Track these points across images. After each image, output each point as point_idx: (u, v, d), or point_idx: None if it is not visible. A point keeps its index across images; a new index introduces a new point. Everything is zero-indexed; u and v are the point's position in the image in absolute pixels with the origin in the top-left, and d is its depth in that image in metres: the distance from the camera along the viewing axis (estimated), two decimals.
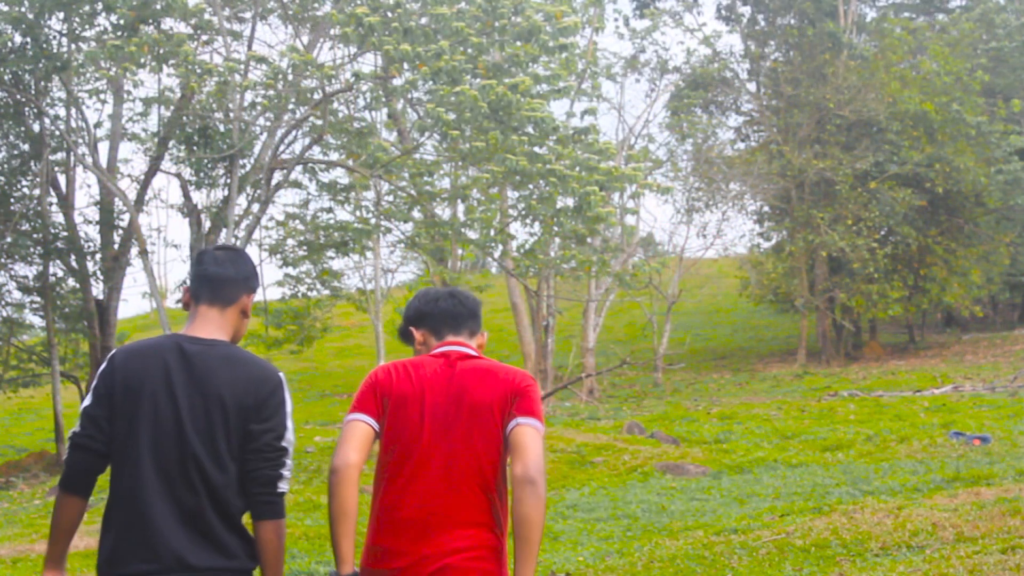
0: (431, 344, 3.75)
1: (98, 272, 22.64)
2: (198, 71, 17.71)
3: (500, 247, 21.86)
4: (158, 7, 18.54)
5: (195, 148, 21.25)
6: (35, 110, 21.70)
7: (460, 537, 3.45)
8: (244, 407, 3.33)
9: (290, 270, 24.02)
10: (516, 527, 3.40)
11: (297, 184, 23.06)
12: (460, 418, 3.52)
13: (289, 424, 3.40)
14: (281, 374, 3.47)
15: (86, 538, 11.90)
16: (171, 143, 21.96)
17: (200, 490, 3.30)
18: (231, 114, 20.26)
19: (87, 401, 3.39)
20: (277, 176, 21.18)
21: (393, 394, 3.57)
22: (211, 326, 3.46)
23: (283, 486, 3.37)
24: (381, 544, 3.52)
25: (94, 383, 3.43)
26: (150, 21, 18.91)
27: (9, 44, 19.50)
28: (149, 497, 3.28)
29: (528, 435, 3.45)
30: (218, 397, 3.32)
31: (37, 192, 22.65)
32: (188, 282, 3.57)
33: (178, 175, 22.58)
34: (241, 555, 3.35)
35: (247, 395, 3.34)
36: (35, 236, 22.23)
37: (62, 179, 22.96)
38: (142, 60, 17.95)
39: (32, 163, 22.42)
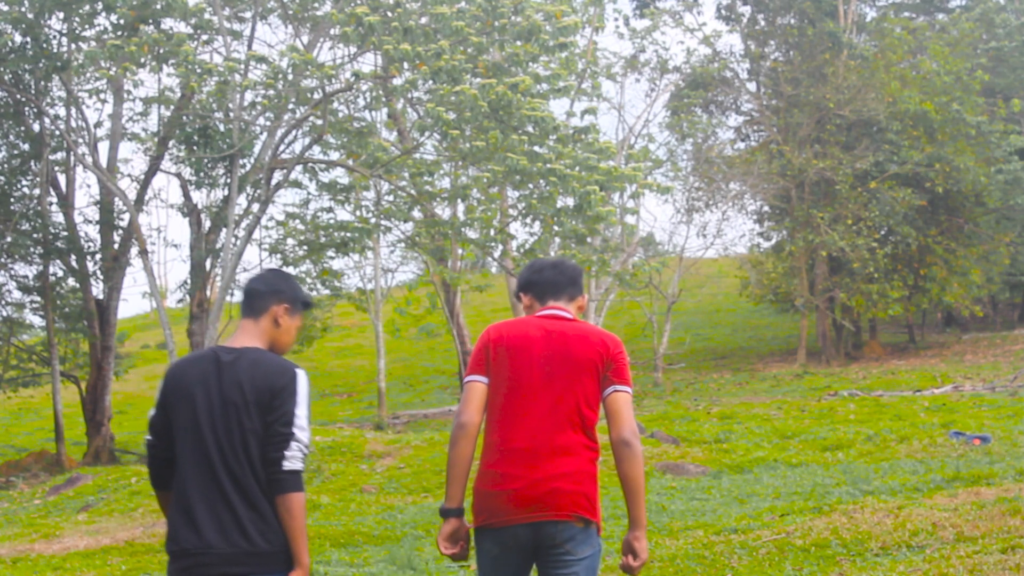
0: (536, 308, 4.40)
1: (98, 272, 22.62)
2: (198, 71, 17.70)
3: (500, 247, 21.85)
4: (158, 7, 18.53)
5: (195, 148, 21.24)
6: (35, 110, 21.69)
7: (565, 464, 4.11)
8: (261, 403, 3.85)
9: (290, 270, 24.00)
10: (622, 483, 4.16)
11: (297, 184, 23.05)
12: (564, 369, 4.18)
13: (298, 411, 3.85)
14: (299, 370, 3.93)
15: (86, 538, 11.91)
16: (171, 143, 21.94)
17: (225, 481, 3.82)
18: (231, 114, 20.24)
19: (151, 412, 4.01)
20: (277, 176, 21.17)
21: (504, 346, 4.23)
22: (245, 336, 4.03)
23: (287, 464, 3.81)
24: (497, 469, 4.14)
25: (157, 395, 4.00)
26: (150, 21, 18.91)
27: (9, 44, 19.48)
28: (189, 487, 3.86)
29: (622, 401, 4.17)
30: (242, 397, 3.85)
31: (37, 192, 22.64)
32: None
33: (178, 175, 22.58)
34: (259, 540, 3.82)
35: (264, 391, 3.85)
36: (35, 236, 22.22)
37: (62, 179, 22.95)
38: (142, 60, 17.94)
39: (32, 163, 22.41)
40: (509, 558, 4.15)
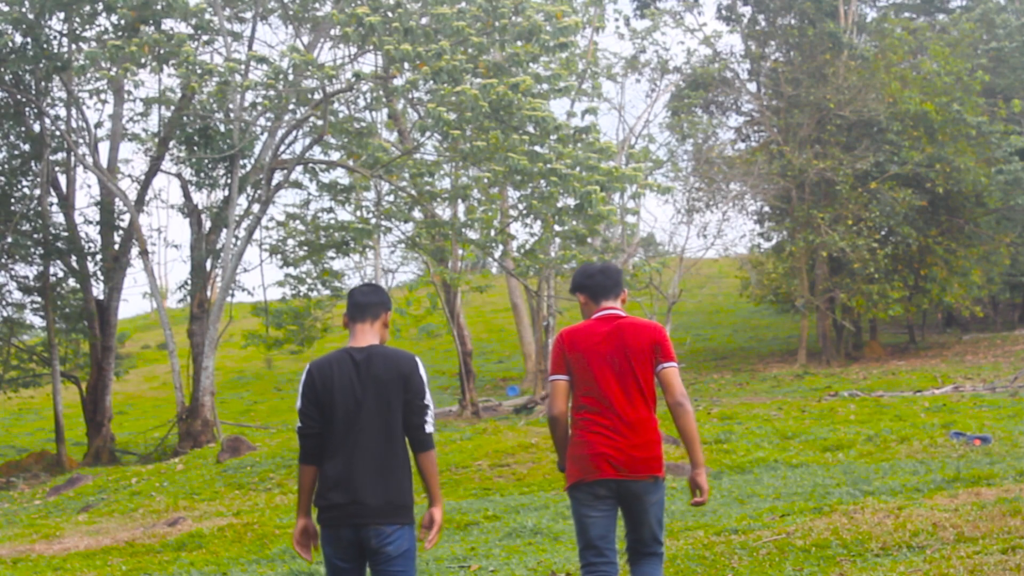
0: (591, 306, 5.57)
1: (98, 272, 22.62)
2: (199, 71, 17.71)
3: (500, 247, 21.85)
4: (158, 7, 18.54)
5: (195, 148, 21.23)
6: (35, 110, 21.69)
7: (639, 435, 5.39)
8: (397, 384, 4.99)
9: (291, 270, 24.00)
10: (680, 434, 5.43)
11: (297, 184, 23.04)
12: (626, 358, 5.43)
13: (426, 390, 5.06)
14: (416, 358, 5.08)
15: (86, 538, 11.91)
16: (171, 143, 21.94)
17: (368, 454, 4.93)
18: (232, 114, 20.25)
19: (299, 404, 5.05)
20: (277, 176, 21.17)
21: (576, 351, 5.46)
22: (366, 337, 5.10)
23: (427, 428, 5.04)
24: (587, 439, 5.40)
25: (301, 389, 5.06)
26: (150, 21, 18.91)
27: (10, 44, 19.48)
28: (343, 455, 4.96)
29: (671, 374, 5.44)
30: (382, 382, 4.98)
31: (37, 192, 22.64)
32: (346, 309, 5.23)
33: (179, 175, 22.57)
34: (391, 496, 4.91)
35: (398, 375, 5.00)
36: (35, 236, 22.22)
37: (62, 179, 22.95)
38: (142, 60, 17.96)
39: (32, 163, 22.41)
40: (600, 504, 5.44)
